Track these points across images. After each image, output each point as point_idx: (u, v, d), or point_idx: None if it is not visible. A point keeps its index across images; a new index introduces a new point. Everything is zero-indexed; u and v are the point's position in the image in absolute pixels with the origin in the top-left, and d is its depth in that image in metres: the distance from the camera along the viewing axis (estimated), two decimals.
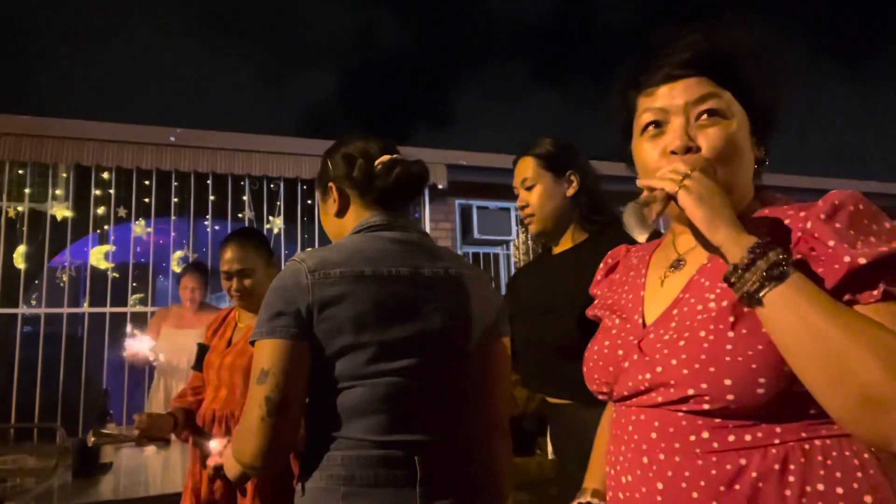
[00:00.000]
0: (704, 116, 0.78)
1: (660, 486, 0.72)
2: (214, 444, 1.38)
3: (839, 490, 0.65)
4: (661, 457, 0.73)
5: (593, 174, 1.63)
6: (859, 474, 0.66)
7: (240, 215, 5.33)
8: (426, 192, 5.74)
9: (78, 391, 4.58)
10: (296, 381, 1.02)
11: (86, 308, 4.92)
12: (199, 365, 1.97)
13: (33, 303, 5.05)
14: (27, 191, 4.85)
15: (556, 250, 1.63)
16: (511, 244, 5.98)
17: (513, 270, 6.15)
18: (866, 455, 0.67)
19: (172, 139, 4.95)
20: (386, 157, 1.18)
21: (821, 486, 0.65)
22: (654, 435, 0.75)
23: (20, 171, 4.87)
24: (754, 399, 0.67)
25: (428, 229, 5.75)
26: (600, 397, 0.88)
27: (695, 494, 0.69)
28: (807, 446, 0.67)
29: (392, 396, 1.03)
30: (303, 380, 1.04)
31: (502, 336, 1.22)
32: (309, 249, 1.14)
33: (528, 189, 1.57)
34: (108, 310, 4.83)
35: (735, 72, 0.78)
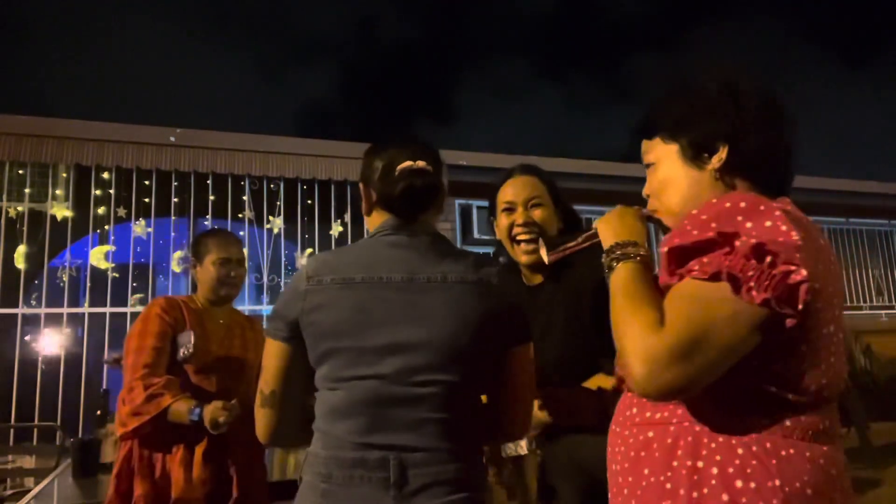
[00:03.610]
0: (649, 169, 1.03)
1: (609, 448, 0.94)
2: None
3: (714, 470, 0.78)
4: (616, 428, 0.94)
5: (573, 211, 1.63)
6: (737, 462, 0.77)
7: (240, 215, 5.33)
8: None
9: (78, 391, 4.58)
10: (284, 378, 1.14)
11: (86, 308, 4.92)
12: (194, 356, 1.91)
13: (33, 303, 5.04)
14: (27, 191, 4.85)
15: (533, 281, 1.59)
16: None
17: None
18: (754, 448, 0.78)
19: (172, 139, 4.95)
20: (406, 165, 1.16)
21: (700, 464, 0.79)
22: (616, 411, 0.96)
23: (20, 171, 4.87)
24: None
25: None
26: None
27: (619, 457, 0.90)
28: (697, 428, 0.81)
29: (371, 400, 1.06)
30: (293, 378, 1.14)
31: (518, 345, 1.18)
32: (322, 252, 1.20)
33: (534, 207, 1.54)
34: (108, 310, 4.83)
35: (653, 127, 1.02)
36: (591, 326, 1.44)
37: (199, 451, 1.84)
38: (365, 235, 1.24)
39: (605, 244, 0.98)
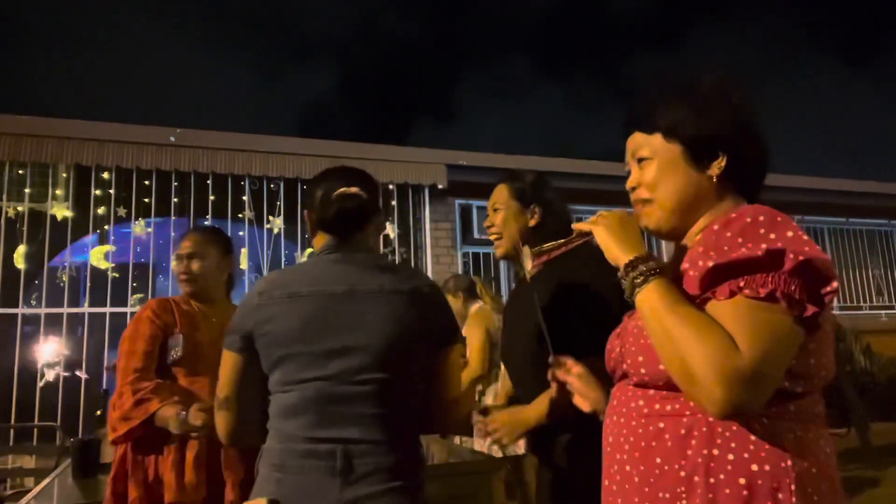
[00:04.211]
0: (641, 163, 1.03)
1: (610, 439, 0.97)
2: None
3: (730, 456, 0.82)
4: (615, 418, 0.97)
5: (558, 212, 1.76)
6: (752, 447, 0.82)
7: (240, 215, 5.34)
8: (426, 191, 5.76)
9: (78, 391, 4.58)
10: (237, 384, 1.27)
11: (86, 308, 4.92)
12: (185, 359, 1.91)
13: (33, 303, 5.05)
14: (27, 191, 4.86)
15: (526, 277, 1.78)
16: None
17: (512, 270, 6.14)
18: (766, 433, 0.82)
19: (172, 139, 4.95)
20: (341, 191, 1.31)
21: (715, 451, 0.83)
22: (615, 402, 0.99)
23: (20, 171, 4.88)
24: (660, 374, 0.87)
25: (428, 229, 5.77)
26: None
27: (626, 447, 0.92)
28: (711, 419, 0.84)
29: (320, 399, 1.20)
30: (245, 384, 1.27)
31: (449, 345, 1.33)
32: (271, 272, 1.35)
33: (496, 211, 1.75)
34: (108, 310, 4.83)
35: (657, 119, 1.01)
36: (566, 324, 1.51)
37: (190, 454, 1.81)
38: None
39: (616, 256, 0.96)
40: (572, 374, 1.21)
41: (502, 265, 6.14)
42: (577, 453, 1.47)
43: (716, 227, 0.88)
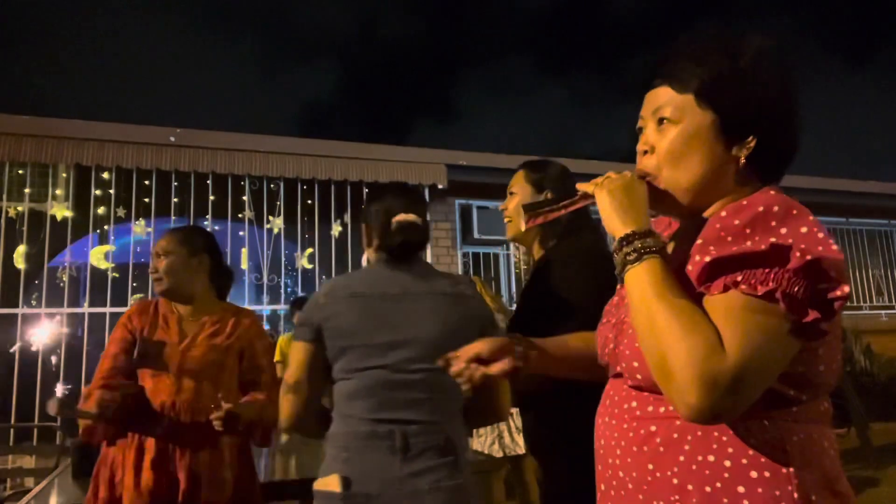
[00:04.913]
0: (662, 124, 0.89)
1: (602, 441, 0.91)
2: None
3: (727, 463, 0.76)
4: (606, 419, 0.91)
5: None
6: (751, 452, 0.75)
7: (240, 215, 5.34)
8: (426, 191, 5.76)
9: (78, 391, 4.58)
10: (306, 371, 1.40)
11: (86, 308, 4.92)
12: (147, 360, 1.89)
13: (33, 303, 5.05)
14: (27, 191, 4.86)
15: (535, 258, 1.82)
16: (511, 244, 5.97)
17: (513, 270, 6.16)
18: (766, 436, 0.76)
19: (172, 139, 4.95)
20: (401, 218, 1.46)
21: (711, 458, 0.76)
22: (607, 402, 0.93)
23: (20, 171, 4.88)
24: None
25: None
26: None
27: (618, 451, 0.87)
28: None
29: (378, 385, 1.37)
30: (312, 371, 1.41)
31: None
32: (335, 277, 1.56)
33: (511, 195, 1.81)
34: (108, 310, 4.83)
35: (692, 77, 0.86)
36: (542, 315, 1.54)
37: (147, 457, 1.80)
38: (364, 250, 1.59)
39: (613, 226, 0.86)
40: (487, 370, 1.06)
41: (502, 265, 6.13)
42: (571, 450, 1.48)
43: (724, 213, 0.79)
